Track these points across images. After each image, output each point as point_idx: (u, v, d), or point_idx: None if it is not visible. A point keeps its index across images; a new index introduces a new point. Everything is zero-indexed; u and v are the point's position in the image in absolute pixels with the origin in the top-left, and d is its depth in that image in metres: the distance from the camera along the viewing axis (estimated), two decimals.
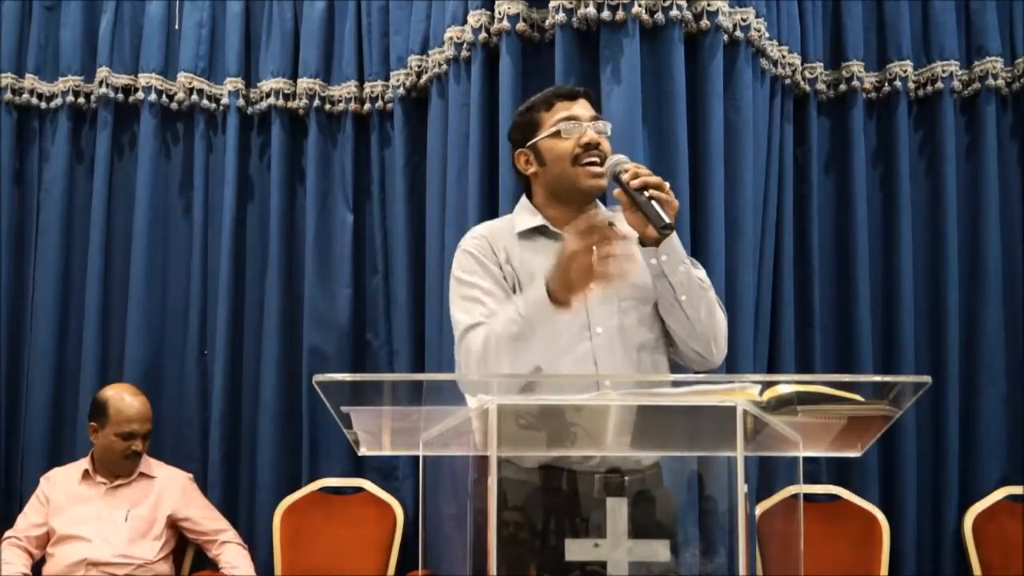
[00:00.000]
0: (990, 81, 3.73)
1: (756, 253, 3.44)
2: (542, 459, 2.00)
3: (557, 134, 2.24)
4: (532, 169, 2.29)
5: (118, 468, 3.57)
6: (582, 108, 2.27)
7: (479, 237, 2.28)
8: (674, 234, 2.11)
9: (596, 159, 2.20)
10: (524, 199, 2.35)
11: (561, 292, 1.99)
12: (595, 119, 2.26)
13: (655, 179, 2.08)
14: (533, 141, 2.27)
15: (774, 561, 3.32)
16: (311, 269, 3.92)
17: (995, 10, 3.78)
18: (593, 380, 2.07)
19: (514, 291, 2.21)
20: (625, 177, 2.09)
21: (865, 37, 3.79)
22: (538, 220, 2.26)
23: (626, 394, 1.74)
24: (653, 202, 2.05)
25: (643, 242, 2.13)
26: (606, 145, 2.23)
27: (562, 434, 1.75)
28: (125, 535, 3.45)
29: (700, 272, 2.20)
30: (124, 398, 3.57)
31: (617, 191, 2.13)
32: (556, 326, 2.06)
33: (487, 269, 2.22)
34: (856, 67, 3.74)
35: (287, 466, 3.89)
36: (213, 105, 4.08)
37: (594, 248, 1.94)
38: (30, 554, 3.53)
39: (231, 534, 3.63)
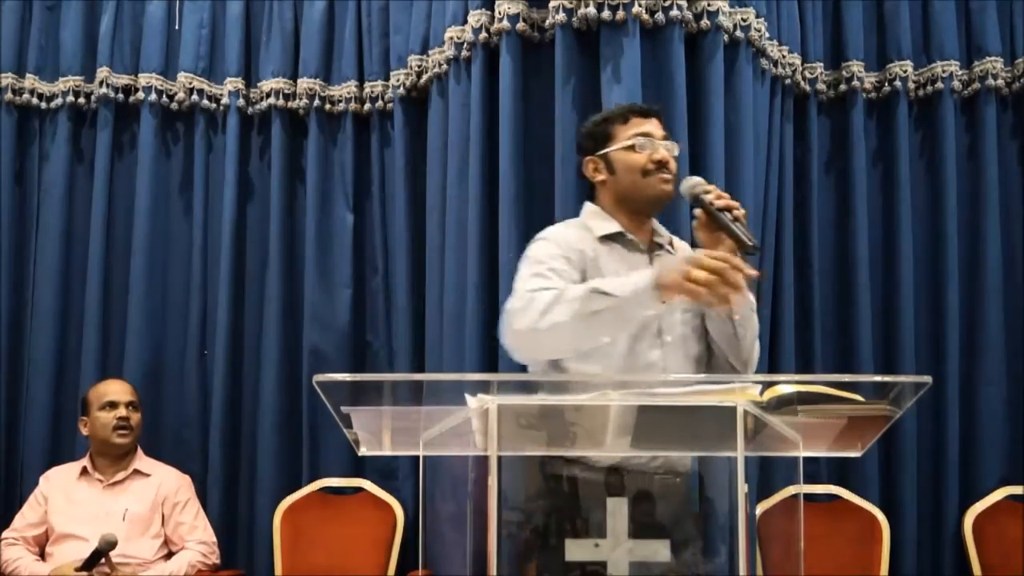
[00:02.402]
0: (990, 81, 3.73)
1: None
2: (610, 459, 2.03)
3: (632, 147, 2.34)
4: (601, 177, 2.39)
5: (113, 448, 3.58)
6: (655, 127, 2.37)
7: (563, 237, 2.35)
8: None
9: (666, 176, 2.32)
10: (592, 205, 2.43)
11: (671, 286, 2.00)
12: (666, 139, 2.37)
13: (735, 202, 2.20)
14: (605, 151, 2.36)
15: (774, 561, 3.32)
16: (311, 269, 3.92)
17: (995, 10, 3.78)
18: (601, 381, 2.08)
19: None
20: (709, 198, 2.20)
21: (865, 37, 3.79)
22: (615, 226, 2.35)
23: (626, 394, 1.74)
24: (737, 224, 2.15)
25: (750, 251, 2.17)
26: (673, 165, 2.34)
27: (562, 434, 1.75)
28: (123, 534, 3.45)
29: (750, 295, 2.23)
30: (100, 383, 3.71)
31: (699, 211, 2.23)
32: (636, 322, 2.14)
33: (567, 258, 2.28)
34: (856, 67, 3.74)
35: (287, 466, 3.89)
36: (213, 105, 4.07)
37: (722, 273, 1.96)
38: (30, 552, 3.53)
39: (197, 545, 3.58)
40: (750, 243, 2.12)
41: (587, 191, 2.48)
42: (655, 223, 2.42)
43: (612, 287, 2.06)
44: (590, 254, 2.30)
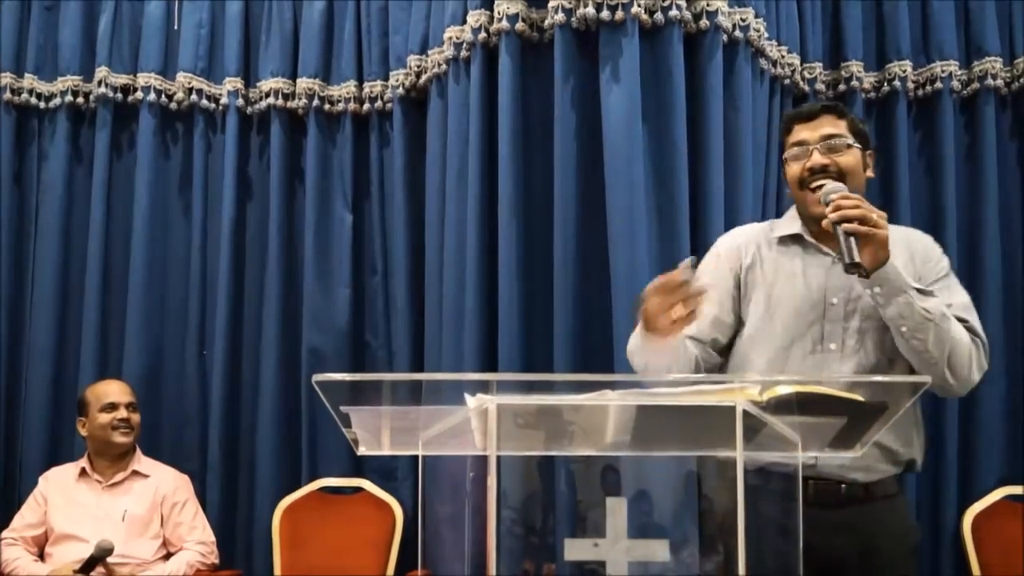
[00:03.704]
0: (989, 81, 3.73)
1: None
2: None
3: (787, 160, 2.33)
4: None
5: (113, 448, 3.58)
6: (814, 129, 2.30)
7: (732, 238, 2.41)
8: (891, 265, 2.11)
9: (824, 182, 2.22)
10: (796, 205, 2.40)
11: (645, 325, 2.09)
12: (827, 138, 2.28)
13: (857, 212, 2.10)
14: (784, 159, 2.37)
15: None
16: (310, 269, 3.92)
17: (994, 10, 3.77)
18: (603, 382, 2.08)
19: (741, 297, 2.33)
20: (828, 210, 2.13)
21: (864, 37, 3.78)
22: (796, 228, 2.33)
23: (625, 394, 1.74)
24: (851, 238, 2.08)
25: (848, 269, 2.12)
26: (843, 160, 2.26)
27: (561, 433, 1.75)
28: (122, 534, 3.46)
29: (929, 302, 2.14)
30: (99, 383, 3.71)
31: (825, 221, 2.16)
32: (793, 331, 2.23)
33: (717, 272, 2.33)
34: (855, 67, 3.74)
35: (286, 466, 3.89)
36: (212, 105, 4.08)
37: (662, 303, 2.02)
38: (28, 552, 3.53)
39: (196, 545, 3.58)
40: (846, 261, 2.08)
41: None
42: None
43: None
44: (756, 253, 2.34)
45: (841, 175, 2.25)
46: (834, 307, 2.24)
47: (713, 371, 2.36)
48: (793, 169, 2.30)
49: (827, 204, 2.15)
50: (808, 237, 2.32)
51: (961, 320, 2.19)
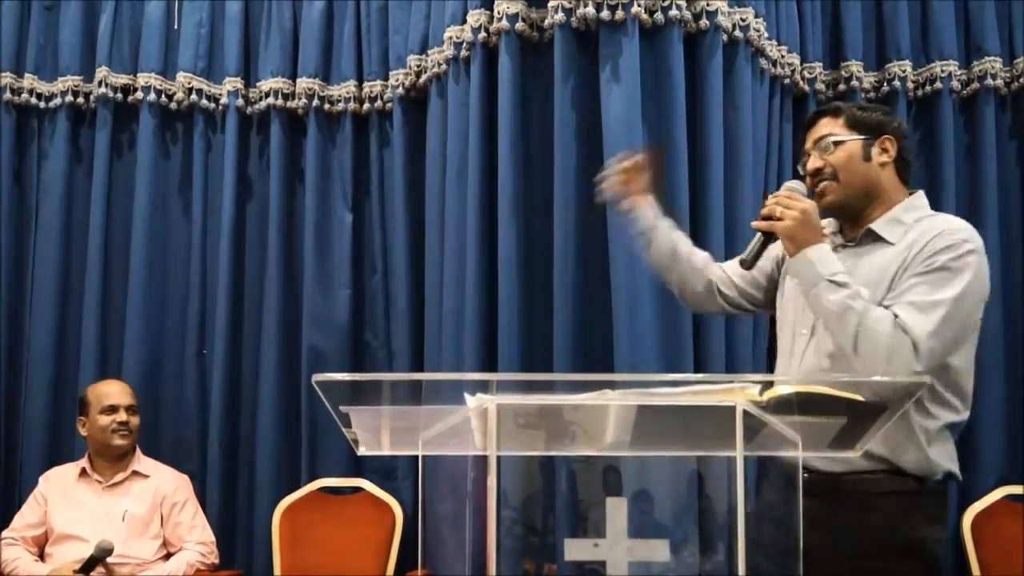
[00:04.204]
0: (989, 81, 3.73)
1: None
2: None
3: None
4: None
5: (112, 450, 3.57)
6: (811, 136, 2.34)
7: None
8: (804, 257, 2.15)
9: (822, 183, 2.28)
10: None
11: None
12: (818, 141, 2.31)
13: (765, 211, 2.19)
14: None
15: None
16: (310, 269, 3.92)
17: (994, 10, 3.78)
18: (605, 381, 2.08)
19: (778, 279, 2.42)
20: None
21: (864, 37, 3.79)
22: (833, 227, 2.36)
23: (625, 393, 1.74)
24: (758, 235, 2.20)
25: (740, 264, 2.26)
26: (833, 159, 2.28)
27: (561, 433, 1.75)
28: (122, 535, 3.45)
29: (836, 294, 2.12)
30: (100, 383, 3.70)
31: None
32: (792, 318, 2.31)
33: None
34: (855, 67, 3.74)
35: (286, 466, 3.89)
36: (212, 105, 4.08)
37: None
38: (28, 552, 3.53)
39: (196, 545, 3.57)
40: (742, 255, 2.23)
41: None
42: (900, 213, 2.27)
43: None
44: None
45: (834, 174, 2.28)
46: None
47: (738, 308, 2.51)
48: (807, 178, 2.35)
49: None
50: (834, 232, 2.35)
51: (899, 316, 2.12)
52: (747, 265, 2.24)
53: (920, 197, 2.31)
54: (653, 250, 2.51)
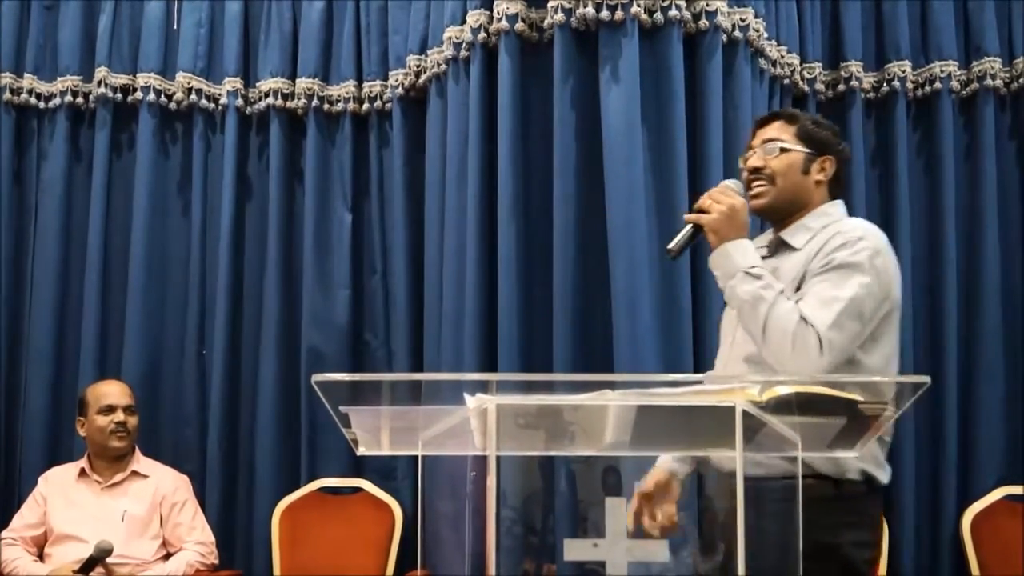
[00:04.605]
0: (988, 81, 3.73)
1: None
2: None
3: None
4: None
5: (110, 451, 3.57)
6: (760, 135, 2.40)
7: None
8: (723, 250, 2.21)
9: (758, 183, 2.34)
10: None
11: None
12: (766, 141, 2.36)
13: (701, 201, 2.26)
14: None
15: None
16: (310, 269, 3.92)
17: (993, 10, 3.78)
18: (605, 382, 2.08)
19: None
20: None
21: (864, 37, 3.79)
22: (765, 240, 2.41)
23: (625, 394, 1.74)
24: (687, 227, 2.26)
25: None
26: (774, 163, 2.34)
27: (561, 433, 1.75)
28: (122, 535, 3.45)
29: (749, 286, 2.18)
30: (99, 384, 3.69)
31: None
32: (725, 328, 2.39)
33: None
34: (855, 67, 3.75)
35: (286, 466, 3.89)
36: (212, 105, 4.08)
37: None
38: (28, 553, 3.53)
39: (195, 545, 3.57)
40: (669, 244, 2.28)
41: None
42: (809, 220, 2.34)
43: None
44: None
45: (772, 177, 2.33)
46: None
47: None
48: (744, 171, 2.41)
49: None
50: (761, 240, 2.40)
51: (803, 310, 2.16)
52: (673, 255, 2.28)
53: (834, 205, 2.37)
54: None
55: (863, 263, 2.19)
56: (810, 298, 2.17)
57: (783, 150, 2.34)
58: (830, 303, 2.15)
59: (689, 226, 2.26)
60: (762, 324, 2.15)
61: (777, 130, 2.38)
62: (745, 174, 2.36)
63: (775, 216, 2.37)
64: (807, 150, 2.36)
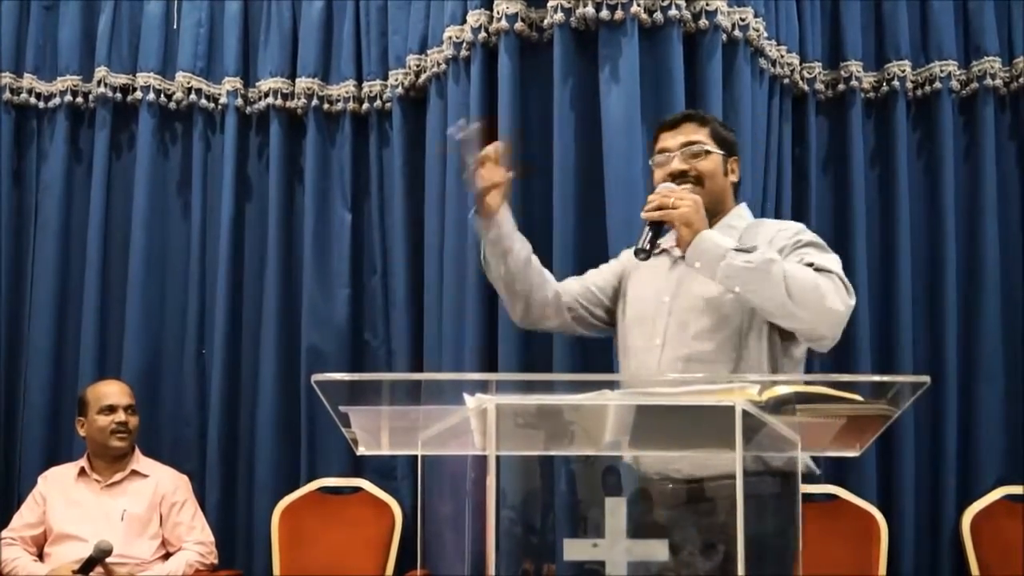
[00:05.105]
0: (988, 81, 3.73)
1: None
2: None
3: (653, 166, 2.44)
4: None
5: (111, 451, 3.57)
6: (675, 137, 2.40)
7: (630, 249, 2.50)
8: (703, 236, 2.20)
9: (686, 185, 2.33)
10: None
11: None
12: (687, 144, 2.38)
13: (655, 202, 2.24)
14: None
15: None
16: (309, 269, 3.92)
17: (993, 10, 3.78)
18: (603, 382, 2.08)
19: (617, 296, 2.52)
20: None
21: (863, 37, 3.79)
22: (670, 243, 2.39)
23: (625, 394, 1.74)
24: (648, 227, 2.25)
25: (635, 254, 2.28)
26: (701, 165, 2.37)
27: (561, 433, 1.75)
28: (121, 534, 3.45)
29: (749, 255, 2.16)
30: (99, 383, 3.69)
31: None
32: (639, 333, 2.38)
33: (611, 263, 2.62)
34: (854, 67, 3.74)
35: (285, 466, 3.89)
36: (211, 105, 4.07)
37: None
38: (27, 552, 3.53)
39: (195, 545, 3.56)
40: (635, 247, 2.26)
41: None
42: (730, 220, 2.41)
43: None
44: (634, 262, 2.41)
45: (699, 179, 2.35)
46: (664, 304, 2.35)
47: (580, 323, 2.54)
48: (657, 175, 2.40)
49: None
50: (659, 241, 2.37)
51: (809, 264, 2.21)
52: (643, 256, 2.26)
53: (745, 208, 2.47)
54: (512, 257, 2.42)
55: (826, 245, 2.30)
56: (806, 260, 2.21)
57: (707, 152, 2.38)
58: (831, 258, 2.24)
59: (648, 225, 2.25)
60: (782, 283, 2.12)
61: (694, 132, 2.40)
62: (668, 179, 2.36)
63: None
64: (721, 151, 2.41)
